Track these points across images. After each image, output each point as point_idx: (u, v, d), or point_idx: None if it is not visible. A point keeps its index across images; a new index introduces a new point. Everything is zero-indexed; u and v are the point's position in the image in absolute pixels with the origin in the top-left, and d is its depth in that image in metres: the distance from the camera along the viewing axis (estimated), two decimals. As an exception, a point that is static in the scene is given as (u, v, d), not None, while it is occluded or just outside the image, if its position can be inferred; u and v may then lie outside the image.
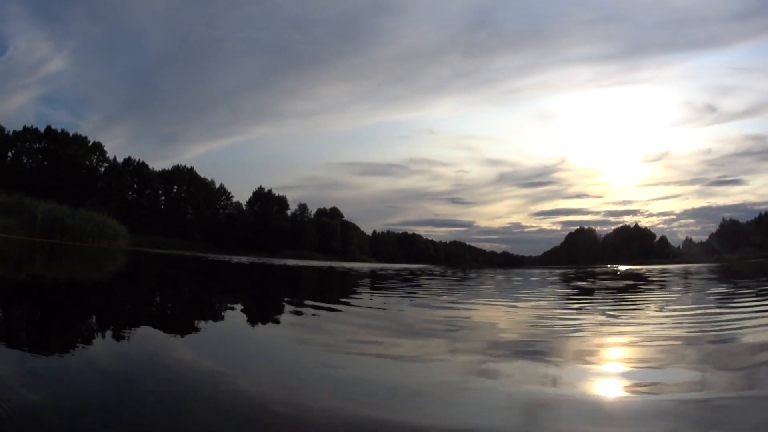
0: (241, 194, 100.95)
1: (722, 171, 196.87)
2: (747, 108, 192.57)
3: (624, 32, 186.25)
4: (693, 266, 47.15)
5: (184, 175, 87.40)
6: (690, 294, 11.92)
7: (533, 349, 4.41)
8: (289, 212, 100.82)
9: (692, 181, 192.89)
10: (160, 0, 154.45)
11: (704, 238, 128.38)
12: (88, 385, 2.86)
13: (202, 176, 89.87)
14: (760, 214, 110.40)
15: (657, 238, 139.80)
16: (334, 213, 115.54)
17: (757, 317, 6.40)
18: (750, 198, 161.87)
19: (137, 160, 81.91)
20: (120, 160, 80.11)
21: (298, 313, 6.83)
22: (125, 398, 2.67)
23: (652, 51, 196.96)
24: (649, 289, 13.79)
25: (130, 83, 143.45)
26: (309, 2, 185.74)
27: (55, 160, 70.86)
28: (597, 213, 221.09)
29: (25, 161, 71.51)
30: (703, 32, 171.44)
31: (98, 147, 77.11)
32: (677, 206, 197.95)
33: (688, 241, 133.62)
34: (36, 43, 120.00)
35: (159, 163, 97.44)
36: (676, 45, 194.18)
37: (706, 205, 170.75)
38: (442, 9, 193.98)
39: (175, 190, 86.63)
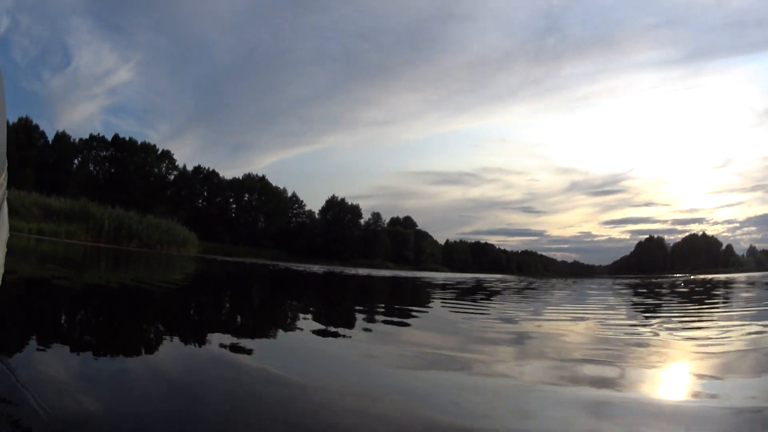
0: (313, 203, 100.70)
1: None
2: None
3: (686, 36, 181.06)
4: (756, 275, 45.56)
5: (255, 184, 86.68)
6: (753, 305, 11.44)
7: (602, 360, 4.38)
8: (362, 221, 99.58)
9: (755, 188, 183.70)
10: (226, 11, 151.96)
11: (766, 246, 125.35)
12: (148, 392, 2.82)
13: (273, 185, 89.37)
14: None
15: (723, 247, 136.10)
16: (408, 222, 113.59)
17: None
18: None
19: (207, 168, 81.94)
20: (189, 168, 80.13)
21: (371, 322, 6.90)
22: (187, 406, 2.69)
23: (714, 55, 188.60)
24: (717, 300, 13.57)
25: (199, 93, 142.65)
26: (375, 11, 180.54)
27: (122, 167, 70.71)
28: (664, 221, 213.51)
29: (91, 169, 71.37)
30: (762, 33, 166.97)
31: (167, 155, 76.79)
32: (741, 214, 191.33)
33: (751, 249, 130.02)
34: (101, 55, 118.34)
35: (229, 172, 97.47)
36: (737, 48, 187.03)
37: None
38: (509, 16, 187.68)
39: (246, 198, 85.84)
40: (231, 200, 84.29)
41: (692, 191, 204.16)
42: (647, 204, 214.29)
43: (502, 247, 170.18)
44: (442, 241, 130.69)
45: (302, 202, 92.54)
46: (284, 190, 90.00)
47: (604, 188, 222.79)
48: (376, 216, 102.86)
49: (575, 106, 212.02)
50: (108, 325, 5.07)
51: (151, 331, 4.91)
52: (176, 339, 4.53)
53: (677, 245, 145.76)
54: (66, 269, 12.45)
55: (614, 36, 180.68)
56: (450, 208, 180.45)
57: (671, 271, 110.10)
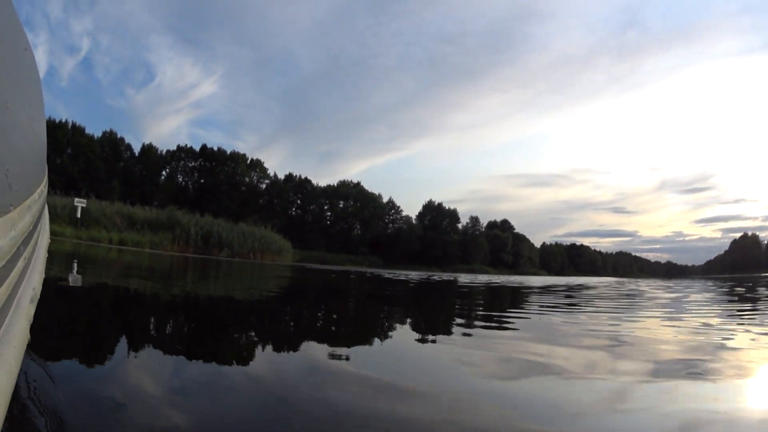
0: (407, 208, 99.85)
1: None
2: None
3: (766, 22, 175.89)
4: None
5: (350, 190, 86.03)
6: None
7: (695, 366, 4.27)
8: (460, 225, 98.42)
9: None
10: (306, 20, 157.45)
11: None
12: (245, 403, 2.84)
13: (369, 191, 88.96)
14: None
15: None
16: (505, 225, 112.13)
17: None
18: None
19: (299, 175, 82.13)
20: (280, 177, 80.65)
21: (469, 328, 6.88)
22: (284, 415, 2.72)
23: None
24: None
25: (284, 103, 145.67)
26: (457, 14, 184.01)
27: (212, 177, 71.13)
28: (755, 218, 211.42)
29: (180, 180, 71.96)
30: None
31: (258, 164, 76.77)
32: None
33: None
34: (183, 69, 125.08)
35: (319, 180, 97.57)
36: None
37: None
38: (588, 12, 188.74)
39: (341, 205, 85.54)
40: (326, 207, 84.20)
41: None
42: (737, 201, 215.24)
43: (597, 249, 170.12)
44: (537, 244, 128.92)
45: (399, 207, 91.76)
46: (380, 196, 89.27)
47: (693, 185, 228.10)
48: (475, 220, 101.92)
49: (660, 101, 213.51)
50: (200, 335, 5.06)
51: (245, 341, 4.87)
52: (270, 348, 4.55)
53: None
54: (151, 280, 12.36)
55: (695, 26, 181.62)
56: (542, 210, 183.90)
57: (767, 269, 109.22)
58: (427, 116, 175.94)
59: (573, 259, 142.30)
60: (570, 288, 19.18)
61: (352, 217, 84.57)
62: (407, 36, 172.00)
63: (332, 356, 4.19)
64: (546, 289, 17.98)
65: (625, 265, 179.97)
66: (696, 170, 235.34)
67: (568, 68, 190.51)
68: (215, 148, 73.54)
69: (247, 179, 74.91)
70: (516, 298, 13.50)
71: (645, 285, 28.87)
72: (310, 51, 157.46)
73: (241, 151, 75.20)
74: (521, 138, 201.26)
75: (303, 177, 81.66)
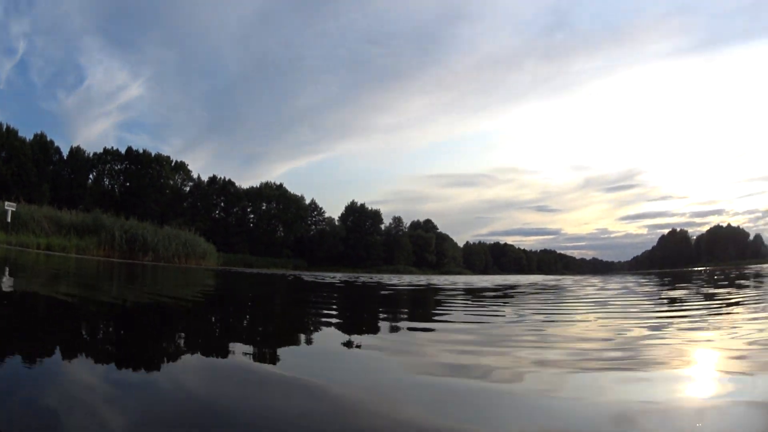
0: (331, 210, 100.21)
1: None
2: None
3: (698, 23, 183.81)
4: None
5: (273, 192, 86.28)
6: None
7: (621, 359, 4.27)
8: (383, 226, 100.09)
9: None
10: (233, 21, 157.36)
11: None
12: (174, 409, 2.78)
13: (292, 192, 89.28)
14: None
15: (751, 237, 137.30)
16: (428, 225, 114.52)
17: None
18: None
19: (223, 178, 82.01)
20: (204, 179, 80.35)
21: (395, 330, 6.49)
22: (214, 420, 2.66)
23: (729, 40, 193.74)
24: (751, 292, 13.22)
25: (209, 106, 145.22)
26: (384, 16, 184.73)
27: (137, 180, 70.66)
28: (682, 214, 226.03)
29: (106, 183, 71.34)
30: None
31: (182, 166, 76.56)
32: (763, 203, 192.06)
33: None
34: (112, 72, 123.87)
35: (244, 182, 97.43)
36: (753, 31, 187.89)
37: None
38: (516, 13, 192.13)
39: (264, 207, 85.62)
40: (249, 210, 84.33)
41: (710, 182, 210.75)
42: (664, 198, 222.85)
43: (521, 247, 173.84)
44: (461, 244, 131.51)
45: (321, 209, 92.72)
46: (302, 198, 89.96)
47: (618, 183, 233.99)
48: (398, 220, 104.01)
49: (587, 101, 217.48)
50: (128, 341, 4.88)
51: (174, 347, 4.76)
52: (199, 354, 4.45)
53: (702, 237, 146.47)
54: (75, 286, 11.65)
55: (624, 28, 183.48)
56: (465, 210, 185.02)
57: (697, 264, 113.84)
58: (351, 118, 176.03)
59: (497, 257, 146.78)
60: (501, 288, 18.89)
61: (275, 219, 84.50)
62: (333, 37, 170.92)
63: (261, 361, 4.20)
64: (474, 291, 17.17)
65: (550, 262, 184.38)
66: (622, 168, 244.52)
67: (494, 70, 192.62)
68: (141, 151, 72.79)
69: (171, 182, 74.46)
70: (442, 298, 13.13)
71: (572, 281, 29.34)
72: (236, 52, 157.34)
73: (167, 154, 75.22)
74: (445, 139, 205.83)
75: (226, 179, 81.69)
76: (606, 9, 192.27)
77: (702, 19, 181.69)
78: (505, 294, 14.76)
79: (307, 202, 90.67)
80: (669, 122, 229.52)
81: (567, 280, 33.35)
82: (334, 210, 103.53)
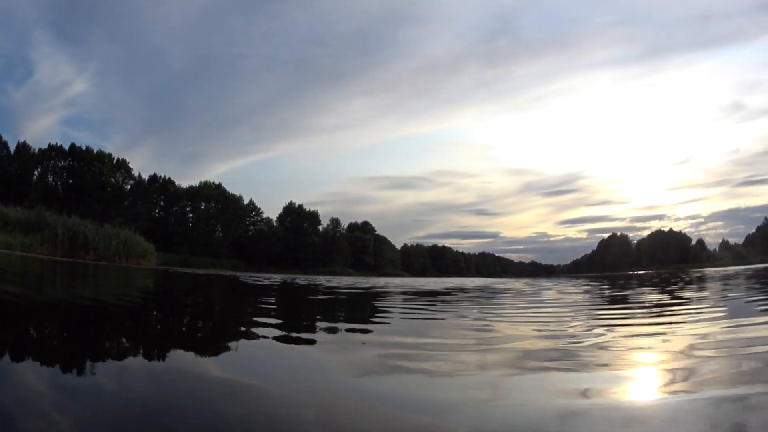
0: (270, 211, 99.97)
1: (751, 171, 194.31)
2: None
3: (645, 32, 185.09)
4: (737, 269, 46.93)
5: (212, 192, 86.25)
6: (726, 299, 11.49)
7: (558, 359, 4.34)
8: (320, 227, 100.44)
9: (719, 183, 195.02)
10: (178, 18, 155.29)
11: (737, 240, 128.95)
12: (118, 412, 2.77)
13: (230, 192, 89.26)
14: None
15: (693, 242, 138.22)
16: (366, 227, 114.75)
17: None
18: None
19: (163, 176, 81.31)
20: (145, 177, 79.62)
21: (334, 331, 6.77)
22: (157, 425, 2.63)
23: (675, 50, 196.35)
24: (688, 295, 13.56)
25: (152, 103, 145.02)
26: (328, 16, 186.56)
27: (80, 177, 69.74)
28: (623, 219, 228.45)
29: (50, 180, 70.31)
30: (727, 27, 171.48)
31: (123, 164, 75.76)
32: (704, 209, 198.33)
33: (724, 243, 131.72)
34: (59, 66, 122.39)
35: (185, 181, 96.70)
36: (700, 42, 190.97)
37: (734, 206, 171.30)
38: (460, 18, 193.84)
39: (203, 207, 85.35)
40: (188, 209, 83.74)
41: (651, 188, 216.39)
42: (604, 203, 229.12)
43: (459, 250, 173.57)
44: (398, 246, 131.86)
45: (260, 209, 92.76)
46: (241, 198, 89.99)
47: (558, 188, 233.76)
48: (335, 222, 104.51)
49: (528, 107, 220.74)
50: (73, 342, 4.98)
51: (118, 348, 4.85)
52: (142, 354, 4.52)
53: (642, 242, 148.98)
54: (19, 285, 11.98)
55: (569, 35, 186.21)
56: (403, 212, 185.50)
57: (639, 268, 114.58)
58: (291, 118, 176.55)
59: (435, 260, 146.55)
60: (441, 291, 18.69)
61: (214, 219, 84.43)
62: (276, 37, 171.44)
63: (203, 363, 4.26)
64: (415, 293, 16.97)
65: (489, 265, 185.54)
66: (562, 173, 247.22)
67: (435, 73, 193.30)
68: (84, 148, 71.87)
69: (113, 180, 73.63)
70: (382, 300, 13.28)
71: (512, 283, 29.79)
72: (179, 49, 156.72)
73: (109, 151, 74.40)
74: (384, 141, 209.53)
75: (166, 178, 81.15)
76: (552, 16, 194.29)
77: (649, 29, 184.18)
78: (446, 296, 15.04)
79: (246, 202, 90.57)
80: (611, 129, 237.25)
81: (507, 282, 33.70)
82: (272, 210, 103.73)
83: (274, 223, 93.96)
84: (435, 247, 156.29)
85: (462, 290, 19.67)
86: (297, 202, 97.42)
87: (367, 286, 22.32)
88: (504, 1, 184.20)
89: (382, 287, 21.49)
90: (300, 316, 9.27)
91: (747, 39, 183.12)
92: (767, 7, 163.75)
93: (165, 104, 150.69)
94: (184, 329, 6.71)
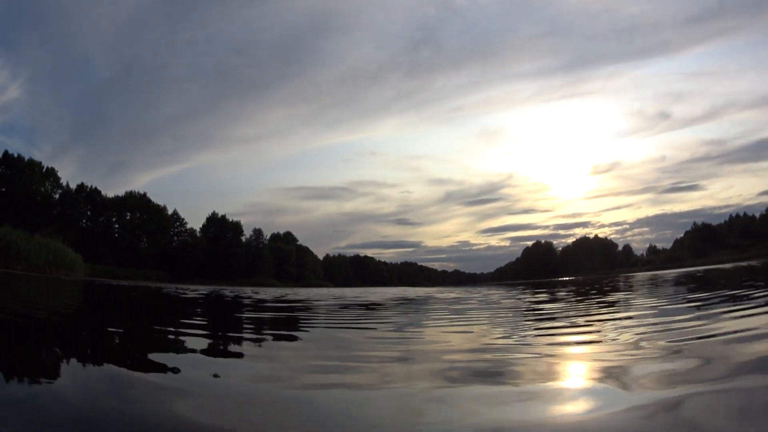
0: (194, 221, 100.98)
1: (677, 177, 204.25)
2: (703, 113, 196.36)
3: (570, 44, 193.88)
4: (669, 273, 46.43)
5: (137, 202, 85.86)
6: (652, 301, 11.89)
7: (487, 371, 4.35)
8: (243, 238, 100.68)
9: (645, 190, 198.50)
10: (106, 25, 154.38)
11: (665, 245, 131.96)
12: (50, 424, 2.78)
13: (155, 202, 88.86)
14: (731, 216, 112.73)
15: (620, 248, 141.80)
16: (289, 237, 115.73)
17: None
18: (710, 203, 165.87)
19: (90, 186, 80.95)
20: (73, 187, 78.85)
21: (260, 343, 6.69)
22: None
23: (601, 61, 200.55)
24: (614, 299, 14.01)
25: (79, 111, 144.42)
26: (251, 25, 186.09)
27: (11, 185, 69.28)
28: (546, 227, 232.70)
29: None
30: (654, 39, 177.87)
31: (52, 173, 75.44)
32: (630, 215, 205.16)
33: (652, 248, 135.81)
34: None
35: (111, 191, 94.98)
36: (626, 54, 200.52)
37: (660, 212, 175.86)
38: (384, 28, 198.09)
39: (128, 217, 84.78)
40: (114, 219, 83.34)
41: (575, 196, 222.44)
42: (527, 211, 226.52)
43: (381, 260, 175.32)
44: (321, 256, 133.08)
45: (183, 219, 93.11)
46: (165, 208, 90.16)
47: (480, 197, 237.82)
48: (258, 232, 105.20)
49: (450, 117, 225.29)
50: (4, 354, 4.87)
51: (50, 359, 4.46)
52: (74, 365, 4.45)
53: (568, 249, 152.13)
54: None
55: (492, 46, 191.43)
56: (325, 222, 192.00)
57: (564, 275, 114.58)
58: (213, 128, 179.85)
59: (358, 270, 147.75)
60: (365, 303, 17.17)
61: (139, 229, 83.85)
62: (200, 45, 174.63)
63: (136, 371, 4.22)
64: (341, 304, 16.28)
65: (411, 274, 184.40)
66: (484, 183, 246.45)
67: (356, 83, 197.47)
68: (15, 156, 71.29)
69: (42, 189, 73.05)
70: (307, 312, 13.08)
71: (436, 292, 29.92)
72: (106, 57, 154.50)
73: (39, 159, 74.07)
74: (305, 151, 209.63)
75: (93, 187, 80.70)
76: (475, 27, 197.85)
77: (574, 41, 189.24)
78: (372, 307, 14.76)
79: (170, 212, 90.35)
80: (534, 138, 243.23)
81: (431, 291, 33.77)
82: (196, 221, 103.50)
83: (198, 234, 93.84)
84: (357, 257, 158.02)
85: (388, 301, 19.39)
86: (220, 212, 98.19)
87: (297, 298, 21.84)
88: (428, 13, 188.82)
89: (310, 299, 21.28)
90: (229, 328, 9.10)
91: (674, 50, 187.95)
92: (694, 19, 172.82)
93: (91, 112, 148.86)
94: (114, 341, 6.47)
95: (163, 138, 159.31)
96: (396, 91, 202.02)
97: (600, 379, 3.80)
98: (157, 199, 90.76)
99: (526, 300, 16.34)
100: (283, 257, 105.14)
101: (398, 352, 5.58)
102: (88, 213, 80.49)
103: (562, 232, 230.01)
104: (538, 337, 6.65)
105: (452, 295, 24.34)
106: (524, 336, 6.80)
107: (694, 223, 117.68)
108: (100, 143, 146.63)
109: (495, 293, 23.89)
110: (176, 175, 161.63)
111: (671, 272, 46.08)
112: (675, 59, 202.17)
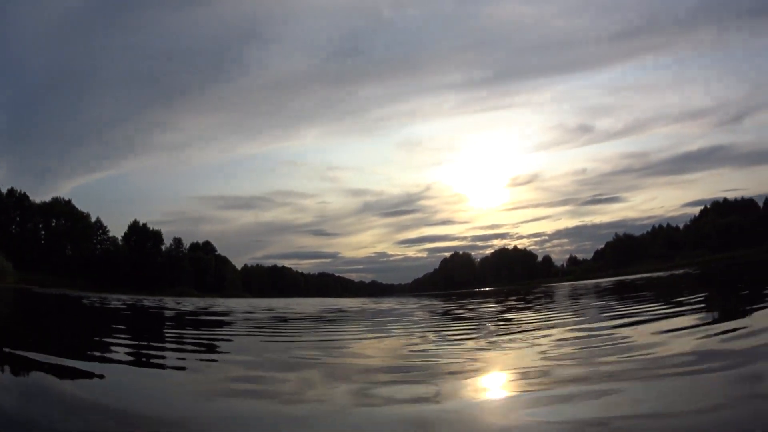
0: (117, 230, 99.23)
1: (598, 190, 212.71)
2: (626, 127, 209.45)
3: (496, 57, 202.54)
4: (586, 282, 49.32)
5: (62, 209, 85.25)
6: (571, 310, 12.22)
7: (409, 376, 4.49)
8: (164, 247, 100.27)
9: (564, 202, 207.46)
10: (43, 26, 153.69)
11: (585, 256, 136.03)
12: None
13: (79, 209, 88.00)
14: (654, 227, 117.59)
15: (539, 258, 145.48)
16: (208, 247, 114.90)
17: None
18: (631, 214, 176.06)
19: (19, 191, 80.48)
20: (3, 192, 78.18)
21: (181, 354, 6.65)
22: None
23: (525, 74, 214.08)
24: (526, 307, 14.78)
25: (10, 114, 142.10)
26: (183, 31, 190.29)
27: None
28: (464, 238, 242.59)
29: None
30: (581, 53, 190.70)
31: None
32: (549, 227, 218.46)
33: (572, 259, 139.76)
34: None
35: (39, 197, 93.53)
36: (552, 67, 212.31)
37: (580, 224, 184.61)
38: (311, 37, 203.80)
39: (54, 224, 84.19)
40: (41, 226, 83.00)
41: (494, 208, 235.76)
42: (444, 222, 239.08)
43: (298, 270, 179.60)
44: (239, 266, 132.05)
45: (106, 227, 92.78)
46: (88, 215, 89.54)
47: (398, 208, 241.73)
48: (178, 242, 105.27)
49: (372, 127, 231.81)
50: None
51: None
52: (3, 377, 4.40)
53: (486, 260, 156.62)
54: None
55: (418, 58, 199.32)
56: (243, 232, 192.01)
57: (483, 286, 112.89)
58: (139, 134, 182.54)
59: (276, 281, 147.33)
60: (287, 315, 17.29)
61: (64, 237, 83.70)
62: (133, 50, 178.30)
63: (64, 384, 4.18)
64: (270, 317, 15.65)
65: (329, 285, 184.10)
66: (402, 193, 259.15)
67: (280, 92, 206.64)
68: None
69: None
70: (230, 323, 13.06)
71: (354, 303, 30.32)
72: (39, 60, 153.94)
73: None
74: (226, 160, 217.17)
75: (22, 192, 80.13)
76: (402, 38, 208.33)
77: (499, 54, 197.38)
78: (294, 318, 14.74)
79: (93, 219, 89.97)
80: (454, 150, 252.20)
81: (349, 302, 33.90)
82: (119, 229, 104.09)
83: (120, 243, 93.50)
84: (275, 267, 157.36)
85: (310, 312, 19.35)
86: (141, 220, 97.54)
87: (222, 309, 21.44)
88: (355, 23, 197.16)
89: (234, 310, 20.94)
90: (153, 340, 8.94)
91: (600, 65, 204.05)
92: (623, 35, 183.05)
93: (23, 116, 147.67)
94: (44, 351, 6.11)
95: (91, 143, 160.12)
96: (319, 100, 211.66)
97: (518, 382, 4.06)
98: (82, 206, 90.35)
99: (445, 310, 16.73)
100: (203, 267, 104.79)
101: (322, 361, 5.66)
102: (18, 219, 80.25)
103: (480, 243, 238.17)
104: (457, 344, 6.92)
105: (372, 305, 24.66)
106: (443, 343, 7.13)
107: (616, 234, 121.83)
108: (30, 148, 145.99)
109: (414, 304, 24.08)
110: (102, 181, 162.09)
111: (591, 282, 47.25)
112: (601, 73, 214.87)
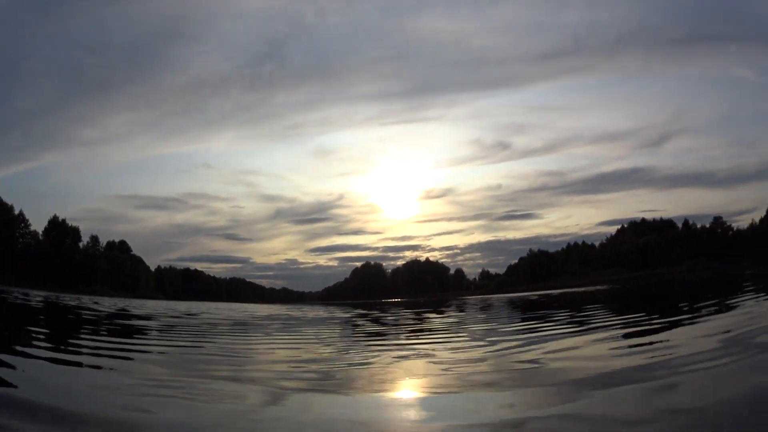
0: (39, 224, 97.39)
1: (512, 206, 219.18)
2: (544, 145, 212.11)
3: (414, 70, 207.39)
4: (498, 296, 49.73)
5: None
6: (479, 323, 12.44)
7: (323, 383, 4.58)
8: (81, 244, 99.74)
9: (478, 216, 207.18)
10: None
11: (497, 270, 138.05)
12: None
13: (4, 201, 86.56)
14: (569, 245, 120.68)
15: (452, 271, 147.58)
16: (123, 247, 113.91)
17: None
18: (545, 231, 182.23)
19: None
20: None
21: (99, 355, 6.55)
22: None
23: (444, 89, 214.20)
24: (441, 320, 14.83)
25: None
26: (108, 24, 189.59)
27: None
28: (376, 248, 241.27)
29: None
30: (500, 72, 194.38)
31: None
32: (461, 241, 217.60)
33: (485, 273, 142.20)
34: None
35: None
36: (471, 84, 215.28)
37: (493, 239, 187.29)
38: (232, 39, 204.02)
39: None
40: None
41: (407, 220, 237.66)
42: (356, 232, 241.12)
43: (210, 274, 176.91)
44: (153, 268, 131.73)
45: (28, 221, 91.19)
46: (12, 208, 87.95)
47: (310, 216, 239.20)
48: (95, 239, 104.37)
49: (287, 134, 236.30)
50: None
51: None
52: None
53: (398, 271, 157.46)
54: None
55: (335, 67, 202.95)
56: (156, 233, 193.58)
57: (394, 296, 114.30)
58: (61, 127, 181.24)
59: (188, 284, 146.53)
60: (202, 321, 16.89)
61: None
62: (59, 40, 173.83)
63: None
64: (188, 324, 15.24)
65: (241, 290, 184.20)
66: (314, 201, 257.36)
67: (198, 93, 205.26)
68: None
69: None
70: (144, 326, 13.13)
71: (266, 310, 30.13)
72: None
73: None
74: (142, 159, 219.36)
75: None
76: (322, 46, 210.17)
77: (418, 67, 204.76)
78: (205, 324, 14.49)
79: (17, 212, 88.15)
80: (368, 161, 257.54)
81: (262, 309, 33.43)
82: (40, 223, 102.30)
83: (41, 237, 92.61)
84: (188, 270, 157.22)
85: (227, 318, 19.10)
86: (61, 216, 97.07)
87: (142, 312, 21.11)
88: (278, 28, 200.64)
89: (156, 314, 20.55)
90: (72, 339, 8.82)
91: (520, 84, 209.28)
92: (545, 55, 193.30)
93: None
94: None
95: (14, 134, 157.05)
96: (236, 103, 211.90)
97: (428, 388, 4.19)
98: (6, 197, 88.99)
99: (355, 319, 16.99)
100: (118, 267, 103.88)
101: (235, 365, 5.80)
102: (-65, 210, 76.64)
103: (391, 254, 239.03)
104: (367, 352, 7.07)
105: (285, 312, 25.10)
106: (353, 351, 7.20)
107: (530, 250, 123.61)
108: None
109: (324, 313, 24.69)
110: (24, 173, 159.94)
111: (504, 296, 48.06)
112: (520, 92, 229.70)
